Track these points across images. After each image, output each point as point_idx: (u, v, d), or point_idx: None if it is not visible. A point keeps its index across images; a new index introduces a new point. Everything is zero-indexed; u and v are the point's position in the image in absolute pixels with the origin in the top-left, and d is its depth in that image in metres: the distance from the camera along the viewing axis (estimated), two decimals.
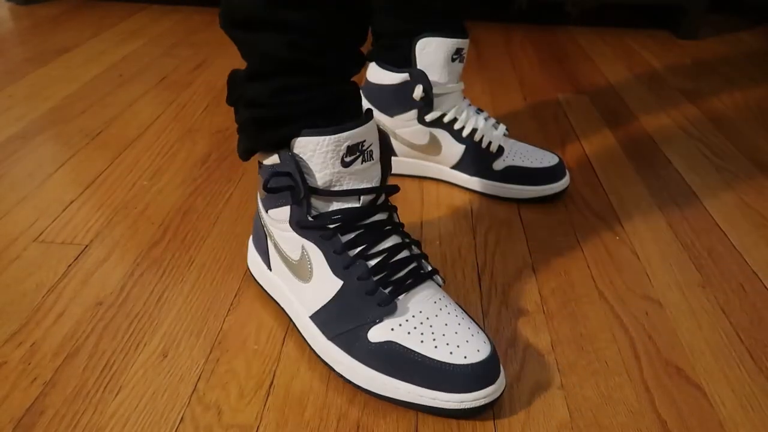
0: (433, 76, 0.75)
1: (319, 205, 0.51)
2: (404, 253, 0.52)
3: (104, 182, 0.80)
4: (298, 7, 0.45)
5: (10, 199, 0.76)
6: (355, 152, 0.49)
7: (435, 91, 0.75)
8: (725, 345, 0.57)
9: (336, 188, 0.50)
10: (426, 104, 0.76)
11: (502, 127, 0.79)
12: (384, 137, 0.53)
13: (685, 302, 0.63)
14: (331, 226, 0.50)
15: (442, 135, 0.78)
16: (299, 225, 0.51)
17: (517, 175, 0.77)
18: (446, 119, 0.77)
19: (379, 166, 0.52)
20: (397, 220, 0.54)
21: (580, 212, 0.77)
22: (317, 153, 0.48)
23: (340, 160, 0.48)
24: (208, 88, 1.10)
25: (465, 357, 0.47)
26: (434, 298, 0.51)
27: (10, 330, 0.56)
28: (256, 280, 0.62)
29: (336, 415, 0.49)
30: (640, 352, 0.56)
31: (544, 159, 0.78)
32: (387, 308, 0.49)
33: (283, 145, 0.50)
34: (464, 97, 0.80)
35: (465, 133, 0.77)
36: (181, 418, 0.48)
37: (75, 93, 1.06)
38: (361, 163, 0.50)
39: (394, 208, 0.54)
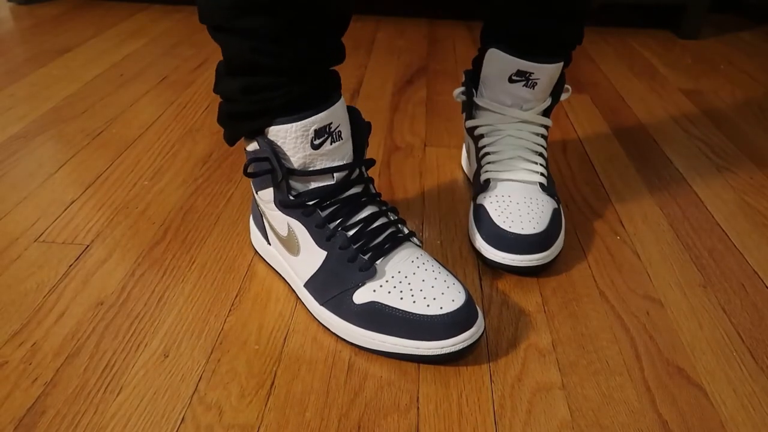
0: (485, 87, 0.71)
1: (299, 186, 0.55)
2: (381, 221, 0.57)
3: (105, 182, 0.80)
4: (259, 15, 0.48)
5: (11, 199, 0.76)
6: (323, 134, 0.53)
7: (477, 101, 0.72)
8: (726, 345, 0.57)
9: (311, 168, 0.54)
10: (464, 109, 0.76)
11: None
12: (355, 115, 0.57)
13: (686, 302, 0.62)
14: (310, 203, 0.55)
15: (471, 145, 0.78)
16: (282, 204, 0.56)
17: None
18: (475, 132, 0.74)
19: (350, 144, 0.56)
20: (374, 191, 0.58)
21: (580, 212, 0.77)
22: (288, 139, 0.52)
23: (309, 144, 0.53)
24: (209, 88, 1.10)
25: (441, 308, 0.52)
26: (412, 258, 0.56)
27: (11, 330, 0.56)
28: (260, 255, 0.66)
29: (337, 416, 0.49)
30: (641, 352, 0.56)
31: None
32: (368, 272, 0.54)
33: (259, 133, 0.54)
34: (522, 131, 0.70)
35: (469, 161, 0.79)
36: (182, 418, 0.48)
37: (76, 93, 1.06)
38: (331, 144, 0.54)
39: (370, 180, 0.58)
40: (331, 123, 0.53)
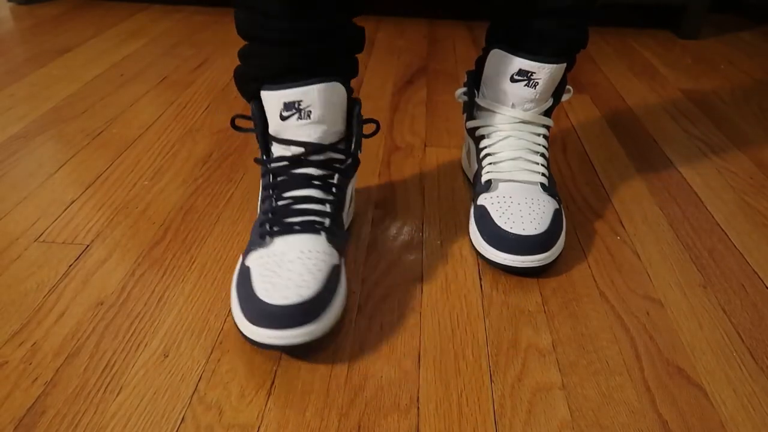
0: (487, 88, 0.72)
1: (274, 150, 0.60)
2: (311, 205, 0.58)
3: (105, 182, 0.80)
4: None
5: (11, 198, 0.76)
6: (291, 109, 0.56)
7: (479, 101, 0.72)
8: (726, 345, 0.57)
9: (279, 137, 0.58)
10: (464, 110, 0.76)
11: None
12: (351, 106, 0.60)
13: (686, 302, 0.62)
14: (270, 165, 0.59)
15: (472, 146, 0.78)
16: (255, 161, 0.61)
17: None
18: (477, 133, 0.74)
19: (320, 127, 0.57)
20: (335, 182, 0.60)
21: (580, 212, 0.77)
22: (269, 105, 0.57)
23: (278, 115, 0.57)
24: (209, 88, 1.10)
25: (285, 298, 0.50)
26: (305, 248, 0.55)
27: (11, 330, 0.56)
28: None
29: (337, 415, 0.49)
30: (641, 352, 0.56)
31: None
32: (261, 241, 0.56)
33: (256, 95, 0.59)
34: (523, 132, 0.70)
35: (469, 161, 0.78)
36: (182, 418, 0.48)
37: (76, 93, 1.06)
38: (297, 120, 0.56)
39: (340, 171, 0.60)
40: (302, 101, 0.55)
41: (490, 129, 0.72)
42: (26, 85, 1.09)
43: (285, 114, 0.56)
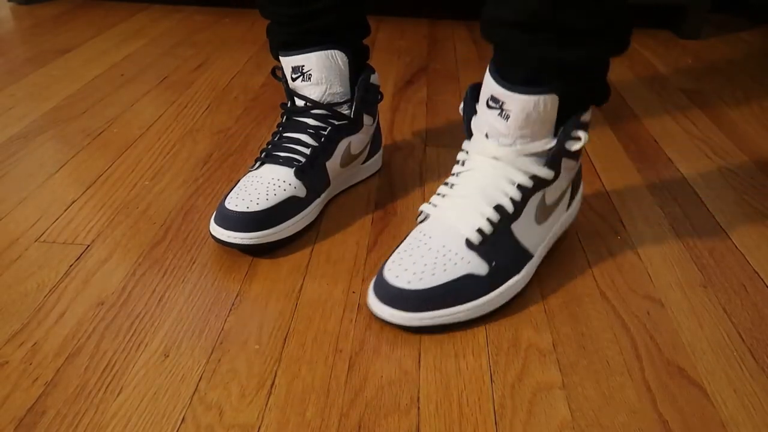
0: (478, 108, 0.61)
1: (296, 100, 0.72)
2: (297, 146, 0.70)
3: (105, 182, 0.80)
4: None
5: (12, 199, 0.76)
6: (297, 72, 0.70)
7: (472, 122, 0.62)
8: (727, 345, 0.57)
9: (294, 92, 0.72)
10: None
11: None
12: (358, 73, 0.72)
13: (686, 302, 0.62)
14: (283, 110, 0.73)
15: None
16: (280, 105, 0.74)
17: None
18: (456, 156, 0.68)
19: (319, 88, 0.70)
20: (326, 134, 0.71)
21: (581, 212, 0.77)
22: (284, 68, 0.71)
23: (290, 76, 0.71)
24: (209, 88, 1.10)
25: (236, 206, 0.64)
26: (275, 176, 0.67)
27: (11, 330, 0.56)
28: None
29: (337, 415, 0.49)
30: (642, 352, 0.56)
31: None
32: (254, 165, 0.71)
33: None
34: (497, 170, 0.58)
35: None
36: (183, 418, 0.48)
37: (76, 93, 1.06)
38: (301, 81, 0.70)
39: (334, 126, 0.71)
40: (304, 65, 0.69)
41: (463, 155, 0.62)
42: (27, 85, 1.09)
43: (294, 76, 0.70)
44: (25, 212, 0.73)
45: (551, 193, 0.61)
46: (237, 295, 0.61)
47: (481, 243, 0.57)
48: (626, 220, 0.75)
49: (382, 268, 0.58)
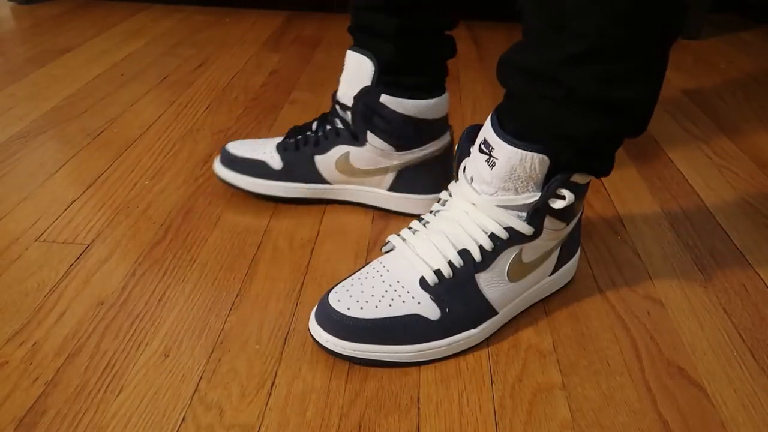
0: None
1: None
2: (304, 128, 0.75)
3: (106, 182, 0.80)
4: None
5: (12, 198, 0.76)
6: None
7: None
8: (727, 345, 0.57)
9: None
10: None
11: None
12: (362, 94, 0.69)
13: (686, 302, 0.62)
14: None
15: None
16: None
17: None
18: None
19: (343, 87, 0.71)
20: (326, 131, 0.73)
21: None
22: None
23: None
24: (209, 88, 1.10)
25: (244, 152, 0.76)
26: (274, 144, 0.75)
27: (11, 330, 0.56)
28: None
29: (338, 415, 0.49)
30: (642, 352, 0.56)
31: None
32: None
33: None
34: (468, 215, 0.55)
35: None
36: (183, 417, 0.48)
37: (76, 93, 1.06)
38: (340, 75, 0.72)
39: (337, 128, 0.72)
40: (345, 60, 0.71)
41: (445, 195, 0.58)
42: (27, 84, 1.09)
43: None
44: (26, 212, 0.73)
45: (530, 251, 0.56)
46: (237, 295, 0.61)
47: (437, 285, 0.53)
48: (626, 220, 0.75)
49: (329, 290, 0.55)
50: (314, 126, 0.75)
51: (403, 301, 0.53)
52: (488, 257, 0.54)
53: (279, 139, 0.76)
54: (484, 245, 0.54)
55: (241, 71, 1.19)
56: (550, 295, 0.62)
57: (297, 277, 0.64)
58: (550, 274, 0.60)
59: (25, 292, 0.60)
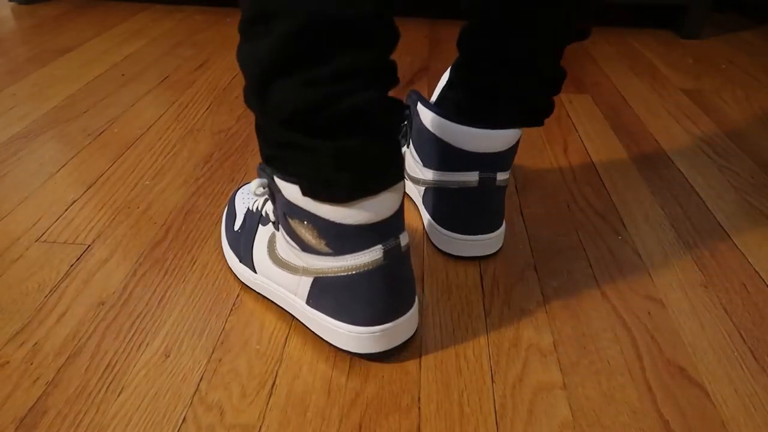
0: None
1: None
2: None
3: (106, 182, 0.80)
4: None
5: (13, 198, 0.76)
6: None
7: None
8: (728, 344, 0.57)
9: None
10: None
11: None
12: None
13: (687, 302, 0.62)
14: None
15: None
16: None
17: None
18: None
19: None
20: None
21: (582, 212, 0.77)
22: None
23: None
24: (210, 88, 1.10)
25: None
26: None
27: (12, 330, 0.56)
28: None
29: (338, 415, 0.49)
30: (643, 352, 0.56)
31: None
32: None
33: None
34: None
35: None
36: (184, 418, 0.48)
37: (77, 93, 1.06)
38: None
39: None
40: None
41: None
42: (27, 84, 1.09)
43: None
44: (26, 212, 0.73)
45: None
46: (238, 295, 0.61)
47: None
48: (627, 220, 0.75)
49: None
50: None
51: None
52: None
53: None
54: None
55: None
56: (551, 295, 0.62)
57: None
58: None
59: (26, 292, 0.60)
